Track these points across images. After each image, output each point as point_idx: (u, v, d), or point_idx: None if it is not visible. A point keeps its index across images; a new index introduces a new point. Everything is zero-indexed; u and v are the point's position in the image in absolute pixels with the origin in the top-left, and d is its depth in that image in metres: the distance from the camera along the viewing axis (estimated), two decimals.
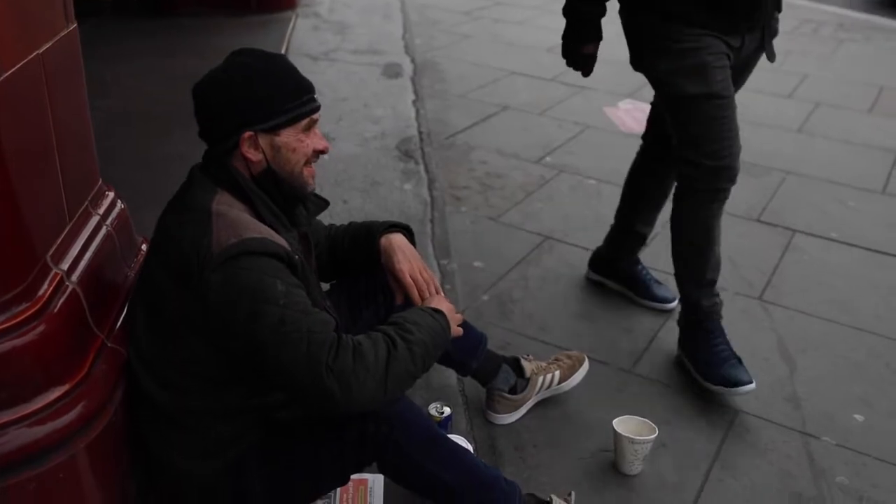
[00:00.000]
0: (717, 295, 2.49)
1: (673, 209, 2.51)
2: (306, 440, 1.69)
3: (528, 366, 2.27)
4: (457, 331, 1.78)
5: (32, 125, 1.50)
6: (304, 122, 1.65)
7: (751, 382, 2.32)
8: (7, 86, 1.38)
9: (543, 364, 2.32)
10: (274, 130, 1.62)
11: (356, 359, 1.51)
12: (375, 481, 1.97)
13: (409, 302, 1.86)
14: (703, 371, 2.40)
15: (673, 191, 2.54)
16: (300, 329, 1.49)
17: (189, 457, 1.66)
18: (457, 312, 1.83)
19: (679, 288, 2.53)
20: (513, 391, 2.24)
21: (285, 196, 1.69)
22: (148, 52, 4.98)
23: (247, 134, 1.60)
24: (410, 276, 1.87)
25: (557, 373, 2.31)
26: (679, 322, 2.55)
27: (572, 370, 2.33)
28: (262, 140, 1.61)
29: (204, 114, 1.64)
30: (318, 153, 1.70)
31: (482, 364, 2.21)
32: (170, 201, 1.70)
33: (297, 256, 1.61)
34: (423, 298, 1.85)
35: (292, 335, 1.49)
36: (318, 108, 1.68)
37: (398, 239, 1.94)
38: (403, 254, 1.91)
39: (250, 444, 1.68)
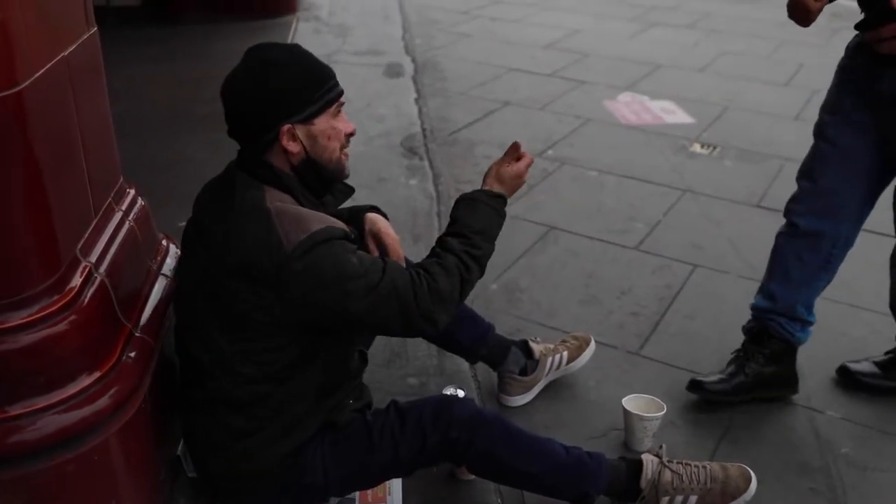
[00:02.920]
0: None
1: None
2: (388, 436, 1.75)
3: (536, 347, 2.33)
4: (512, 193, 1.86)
5: (60, 124, 1.57)
6: (334, 107, 1.69)
7: None
8: (36, 87, 1.44)
9: (551, 346, 2.38)
10: (309, 120, 1.65)
11: (434, 296, 1.64)
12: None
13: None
14: None
15: None
16: (386, 287, 1.60)
17: (258, 444, 1.70)
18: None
19: None
20: (523, 372, 2.30)
21: (325, 183, 1.73)
22: (155, 58, 5.06)
23: (285, 127, 1.63)
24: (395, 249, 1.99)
25: (565, 353, 2.37)
26: None
27: (580, 350, 2.39)
28: (300, 131, 1.64)
29: (237, 112, 1.66)
30: (349, 136, 1.75)
31: (491, 349, 2.29)
32: (209, 197, 1.72)
33: (354, 234, 1.69)
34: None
35: (382, 297, 1.60)
36: (342, 92, 1.71)
37: (381, 217, 2.05)
38: (386, 224, 2.03)
39: (320, 432, 1.75)
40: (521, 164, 1.84)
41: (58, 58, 1.55)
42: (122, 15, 5.65)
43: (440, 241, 1.76)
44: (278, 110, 1.63)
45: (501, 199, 1.81)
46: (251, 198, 1.62)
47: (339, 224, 1.65)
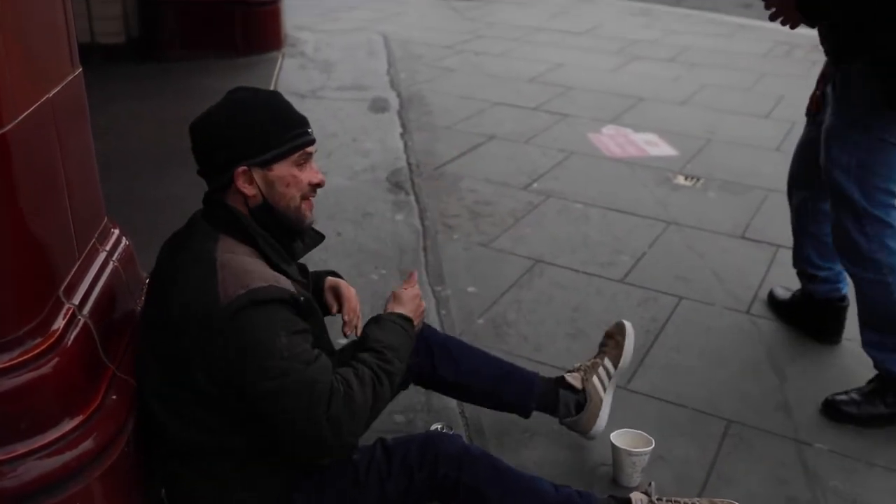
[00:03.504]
0: None
1: None
2: (374, 473, 1.72)
3: (573, 380, 2.24)
4: (418, 325, 1.89)
5: (44, 166, 1.57)
6: (296, 155, 1.67)
7: None
8: (20, 129, 1.44)
9: (589, 362, 2.29)
10: (266, 165, 1.65)
11: (347, 404, 1.58)
12: None
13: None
14: None
15: None
16: (303, 380, 1.55)
17: (235, 494, 1.68)
18: (422, 317, 1.93)
19: None
20: (579, 408, 2.22)
21: (284, 230, 1.72)
22: (140, 96, 5.07)
23: (240, 169, 1.63)
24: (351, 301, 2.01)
25: (607, 360, 2.28)
26: None
27: (619, 346, 2.30)
28: (256, 175, 1.65)
29: (199, 150, 1.69)
30: (315, 186, 1.73)
31: (540, 401, 2.21)
32: (170, 244, 1.74)
33: (301, 297, 1.64)
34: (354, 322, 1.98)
35: (294, 387, 1.54)
36: (311, 142, 1.70)
37: (342, 280, 2.08)
38: (346, 284, 2.06)
39: (305, 473, 1.72)
40: (416, 288, 1.91)
41: (42, 99, 1.55)
42: (107, 52, 5.66)
43: (353, 356, 1.72)
44: (235, 151, 1.64)
45: (409, 322, 1.82)
46: (202, 249, 1.62)
47: (285, 284, 1.61)
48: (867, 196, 2.35)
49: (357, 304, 2.03)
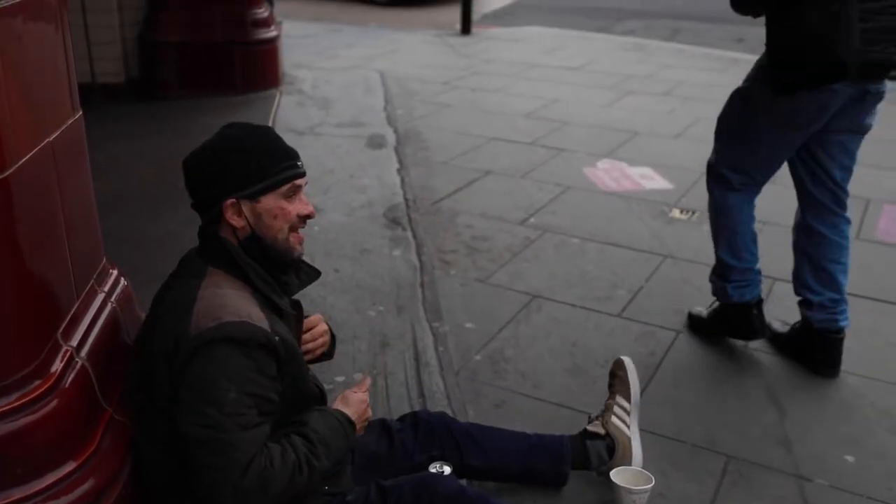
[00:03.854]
0: None
1: None
2: None
3: (595, 428, 2.25)
4: (360, 431, 1.84)
5: (43, 209, 1.58)
6: (285, 188, 1.70)
7: None
8: (20, 173, 1.46)
9: (603, 406, 2.31)
10: (254, 197, 1.67)
11: (261, 481, 1.55)
12: None
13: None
14: None
15: None
16: (229, 441, 1.53)
17: None
18: (365, 402, 1.87)
19: None
20: (611, 453, 2.21)
21: (273, 262, 1.73)
22: (138, 135, 5.11)
23: (229, 201, 1.66)
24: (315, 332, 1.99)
25: (619, 397, 2.29)
26: None
27: (624, 382, 2.31)
28: (245, 207, 1.67)
29: (192, 184, 1.72)
30: (304, 218, 1.74)
31: (574, 462, 2.19)
32: (164, 282, 1.76)
33: (277, 337, 1.63)
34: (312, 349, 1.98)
35: (218, 444, 1.53)
36: (300, 175, 1.72)
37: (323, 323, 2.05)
38: (319, 326, 2.02)
39: None
40: (366, 395, 1.88)
41: (43, 143, 1.57)
42: (107, 92, 5.72)
43: (286, 434, 1.67)
44: (225, 184, 1.66)
45: (351, 425, 1.78)
46: (188, 285, 1.65)
47: (261, 324, 1.60)
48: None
49: (319, 329, 2.00)
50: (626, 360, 2.36)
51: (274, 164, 1.69)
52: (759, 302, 2.92)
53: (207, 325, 1.55)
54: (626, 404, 2.29)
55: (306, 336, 1.96)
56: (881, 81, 2.53)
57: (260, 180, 1.67)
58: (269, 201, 1.69)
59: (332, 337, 2.07)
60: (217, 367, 1.54)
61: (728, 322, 2.95)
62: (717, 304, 3.00)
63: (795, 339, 2.90)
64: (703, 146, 5.31)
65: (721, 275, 2.94)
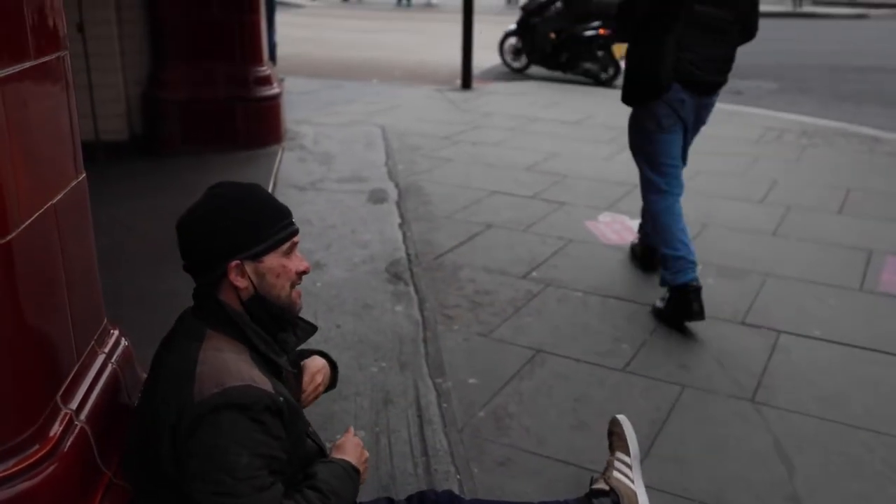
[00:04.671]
0: None
1: None
2: None
3: (600, 485, 2.24)
4: (363, 475, 1.87)
5: (45, 272, 1.58)
6: (286, 246, 1.72)
7: None
8: (24, 236, 1.46)
9: (606, 464, 2.32)
10: (258, 258, 1.68)
11: None
12: None
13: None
14: None
15: None
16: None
17: None
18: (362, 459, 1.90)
19: None
20: None
21: (275, 320, 1.73)
22: (141, 192, 5.14)
23: (233, 263, 1.66)
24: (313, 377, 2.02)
25: (618, 453, 2.32)
26: None
27: (622, 438, 2.35)
28: (248, 267, 1.68)
29: (189, 247, 1.71)
30: (301, 274, 1.76)
31: None
32: (162, 342, 1.75)
33: (281, 398, 1.63)
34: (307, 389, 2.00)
35: None
36: (296, 232, 1.75)
37: (320, 359, 2.10)
38: (320, 364, 2.07)
39: None
40: (357, 437, 1.91)
41: (46, 206, 1.58)
42: (111, 149, 5.76)
43: (298, 490, 1.69)
44: (226, 246, 1.66)
45: (356, 472, 1.82)
46: (188, 348, 1.64)
47: (265, 387, 1.61)
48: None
49: (318, 375, 2.02)
50: (622, 418, 2.40)
51: (272, 222, 1.71)
52: (697, 289, 3.45)
53: (211, 391, 1.54)
54: (626, 458, 2.31)
55: (305, 379, 2.00)
56: (711, 96, 3.67)
57: (262, 240, 1.68)
58: (272, 260, 1.70)
59: (333, 365, 2.11)
60: (225, 434, 1.53)
61: (674, 304, 3.49)
62: (667, 294, 3.56)
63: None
64: (703, 199, 5.38)
65: (663, 265, 3.60)
